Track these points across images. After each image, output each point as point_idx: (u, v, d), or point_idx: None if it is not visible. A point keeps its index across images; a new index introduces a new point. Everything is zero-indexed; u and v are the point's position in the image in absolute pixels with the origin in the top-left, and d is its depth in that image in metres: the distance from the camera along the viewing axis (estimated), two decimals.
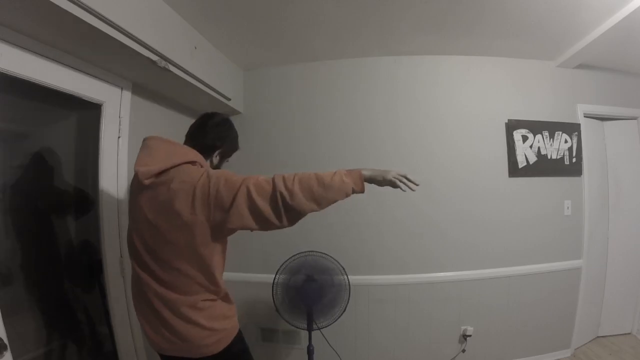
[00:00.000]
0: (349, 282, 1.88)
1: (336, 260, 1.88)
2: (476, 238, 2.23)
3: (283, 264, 1.84)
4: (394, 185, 1.08)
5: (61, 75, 1.25)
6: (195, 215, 0.93)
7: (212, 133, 1.14)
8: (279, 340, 2.26)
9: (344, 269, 1.88)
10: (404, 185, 1.09)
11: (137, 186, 1.02)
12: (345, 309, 1.87)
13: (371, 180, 1.06)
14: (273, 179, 0.95)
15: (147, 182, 0.97)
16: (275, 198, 0.92)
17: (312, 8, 1.67)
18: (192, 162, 1.03)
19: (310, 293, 1.82)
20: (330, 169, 1.03)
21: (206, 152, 1.13)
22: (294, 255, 1.88)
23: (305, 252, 1.90)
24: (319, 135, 2.28)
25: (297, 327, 1.87)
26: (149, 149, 1.03)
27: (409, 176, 1.10)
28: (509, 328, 2.25)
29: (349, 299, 1.88)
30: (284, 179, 0.94)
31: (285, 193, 0.92)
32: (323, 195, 0.95)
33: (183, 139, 1.17)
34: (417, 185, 1.10)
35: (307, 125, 2.31)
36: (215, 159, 1.17)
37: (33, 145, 1.35)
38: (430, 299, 2.20)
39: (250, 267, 2.28)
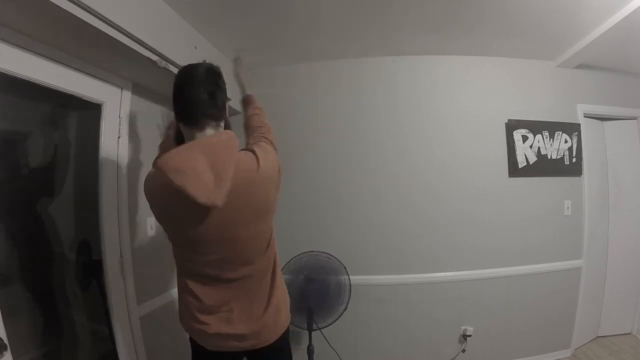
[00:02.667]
0: (350, 282, 1.88)
1: (338, 260, 1.88)
2: (476, 238, 2.23)
3: (286, 264, 1.84)
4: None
5: (61, 75, 1.25)
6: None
7: (223, 87, 0.98)
8: None
9: (345, 268, 1.88)
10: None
11: (197, 212, 0.88)
12: (346, 309, 1.87)
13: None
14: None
15: (220, 203, 0.85)
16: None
17: (312, 8, 1.67)
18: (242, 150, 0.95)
19: (311, 293, 1.82)
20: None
21: (222, 113, 0.98)
22: (296, 256, 1.88)
23: (306, 251, 1.90)
24: (320, 135, 2.28)
25: (297, 327, 1.87)
26: (186, 174, 0.81)
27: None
28: (509, 328, 2.25)
29: (349, 299, 1.88)
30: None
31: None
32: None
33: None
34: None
35: (308, 125, 2.31)
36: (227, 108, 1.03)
37: (33, 145, 1.35)
38: (430, 299, 2.20)
39: None
